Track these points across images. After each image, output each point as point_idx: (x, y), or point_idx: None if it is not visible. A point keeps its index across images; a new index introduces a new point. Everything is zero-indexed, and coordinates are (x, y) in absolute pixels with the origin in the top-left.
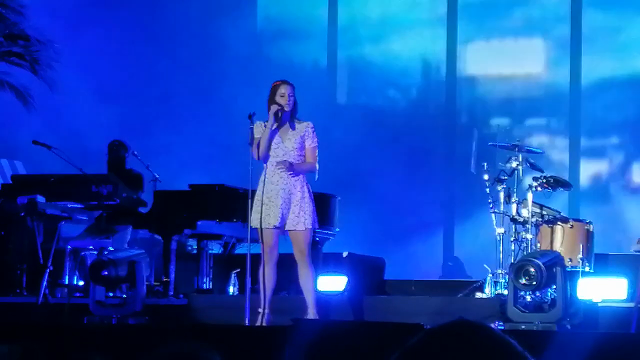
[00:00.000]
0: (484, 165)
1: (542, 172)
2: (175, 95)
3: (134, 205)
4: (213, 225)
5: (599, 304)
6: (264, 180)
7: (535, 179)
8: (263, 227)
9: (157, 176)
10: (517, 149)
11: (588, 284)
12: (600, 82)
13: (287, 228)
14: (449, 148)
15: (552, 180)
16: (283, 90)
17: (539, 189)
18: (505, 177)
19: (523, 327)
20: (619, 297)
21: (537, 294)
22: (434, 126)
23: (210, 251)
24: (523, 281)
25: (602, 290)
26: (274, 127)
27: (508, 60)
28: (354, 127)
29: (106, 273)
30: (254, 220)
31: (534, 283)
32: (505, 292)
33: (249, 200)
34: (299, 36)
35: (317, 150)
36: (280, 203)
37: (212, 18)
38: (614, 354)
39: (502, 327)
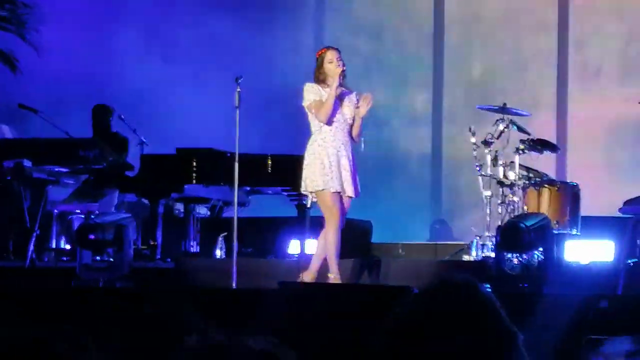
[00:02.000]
0: (471, 128)
1: (529, 134)
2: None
3: (120, 169)
4: (200, 188)
5: (586, 267)
6: (325, 145)
7: (522, 141)
8: (329, 190)
9: (144, 140)
10: (504, 111)
11: (575, 246)
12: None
13: (345, 192)
14: (435, 107)
15: (539, 143)
16: (331, 55)
17: (526, 151)
18: (493, 140)
19: (510, 289)
20: (605, 259)
21: (524, 256)
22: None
23: (197, 215)
24: (510, 244)
25: (589, 252)
26: (339, 92)
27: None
28: None
29: (93, 237)
30: (323, 183)
31: (521, 246)
32: (492, 254)
33: (236, 164)
34: None
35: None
36: (341, 169)
37: None
38: (601, 316)
39: (489, 290)
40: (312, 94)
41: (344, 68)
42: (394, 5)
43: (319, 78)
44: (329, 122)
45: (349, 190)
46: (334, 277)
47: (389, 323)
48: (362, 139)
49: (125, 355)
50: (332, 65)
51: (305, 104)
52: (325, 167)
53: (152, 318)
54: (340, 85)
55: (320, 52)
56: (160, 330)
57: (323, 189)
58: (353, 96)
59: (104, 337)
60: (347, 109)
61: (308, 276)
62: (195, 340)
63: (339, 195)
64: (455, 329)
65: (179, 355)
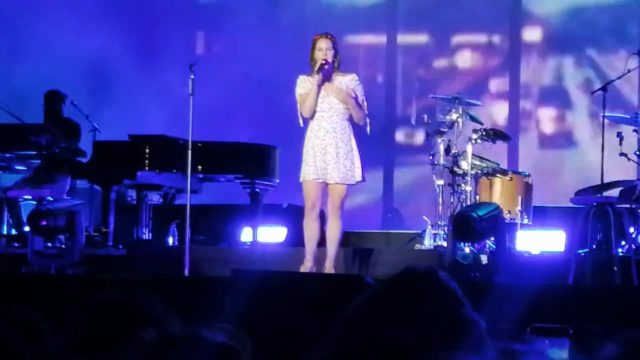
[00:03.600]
0: (424, 117)
1: (482, 124)
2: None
3: (73, 155)
4: (152, 175)
5: (537, 256)
6: (310, 136)
7: (475, 131)
8: (309, 180)
9: (97, 126)
10: (457, 101)
11: (526, 236)
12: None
13: (327, 180)
14: (390, 98)
15: (491, 133)
16: (321, 44)
17: (478, 141)
18: (445, 130)
19: (461, 278)
20: (556, 249)
21: (476, 245)
22: (374, 71)
23: (149, 202)
24: (462, 233)
25: (540, 242)
26: (320, 82)
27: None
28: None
29: (44, 223)
30: (302, 174)
31: (473, 235)
32: (444, 243)
33: (189, 151)
34: None
35: (365, 102)
36: (325, 157)
37: None
38: (552, 306)
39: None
40: (300, 87)
41: (327, 59)
42: None
43: (310, 64)
44: (313, 114)
45: (335, 178)
46: (307, 264)
47: (349, 311)
48: (367, 122)
49: (81, 341)
50: (320, 54)
51: (296, 97)
52: (308, 157)
53: (107, 305)
54: (331, 72)
55: (315, 38)
56: (116, 318)
57: (302, 179)
58: (346, 80)
59: (58, 323)
60: (335, 97)
61: (306, 264)
62: (152, 334)
63: (320, 184)
64: (418, 318)
65: (137, 349)
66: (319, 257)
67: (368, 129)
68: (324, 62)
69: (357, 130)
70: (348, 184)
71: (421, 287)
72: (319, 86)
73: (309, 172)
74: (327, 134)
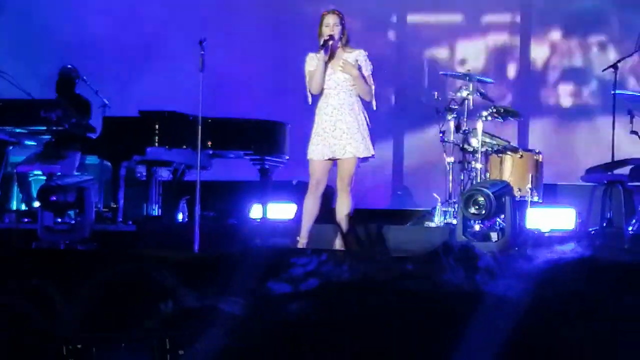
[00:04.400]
0: (434, 94)
1: (493, 102)
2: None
3: (83, 131)
4: (162, 151)
5: (547, 234)
6: (319, 113)
7: (485, 108)
8: (317, 158)
9: (107, 102)
10: (467, 78)
11: (537, 213)
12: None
13: (336, 156)
14: (400, 75)
15: (502, 110)
16: (328, 20)
17: (489, 118)
18: (456, 107)
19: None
20: (567, 227)
21: (486, 223)
22: (383, 49)
23: (159, 178)
24: (472, 210)
25: (550, 220)
26: (326, 59)
27: None
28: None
29: (54, 198)
30: (309, 152)
31: (483, 212)
32: (455, 221)
33: (199, 127)
34: None
35: (371, 78)
36: (335, 134)
37: None
38: (561, 280)
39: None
40: (308, 65)
41: (332, 35)
42: None
43: (318, 40)
44: (320, 90)
45: (348, 151)
46: (301, 241)
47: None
48: (373, 96)
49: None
50: (326, 30)
51: (305, 74)
52: (314, 136)
53: (123, 278)
54: (337, 48)
55: (322, 13)
56: (132, 292)
57: (309, 158)
58: (352, 56)
59: (69, 297)
60: (342, 73)
61: (300, 241)
62: (170, 307)
63: (326, 163)
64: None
65: (155, 322)
66: (321, 234)
67: (374, 104)
68: (329, 37)
69: (366, 106)
70: (360, 158)
71: (461, 258)
72: (326, 63)
73: (315, 152)
74: (335, 110)
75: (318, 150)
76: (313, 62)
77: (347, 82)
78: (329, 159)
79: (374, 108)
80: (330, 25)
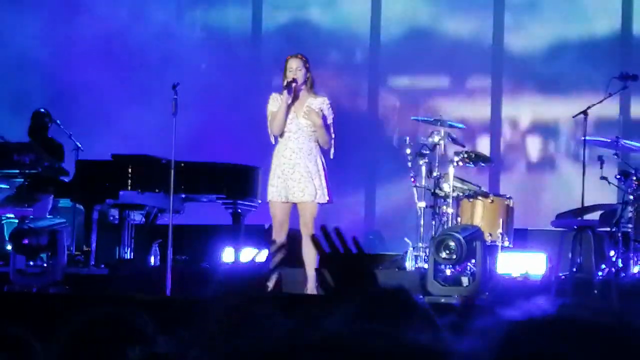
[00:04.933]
0: (406, 139)
1: (464, 146)
2: (96, 70)
3: (55, 174)
4: (135, 195)
5: (518, 279)
6: (277, 155)
7: (456, 153)
8: (275, 201)
9: (80, 145)
10: (439, 123)
11: (507, 258)
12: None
13: (295, 200)
14: (372, 121)
15: (473, 155)
16: (291, 64)
17: (460, 163)
18: (427, 152)
19: (443, 300)
20: (537, 271)
21: (457, 268)
22: (355, 95)
23: (132, 221)
24: (443, 255)
25: (521, 265)
26: (289, 101)
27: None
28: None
29: (27, 242)
30: (268, 194)
31: (454, 257)
32: (426, 265)
33: (172, 171)
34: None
35: (332, 127)
36: (294, 176)
37: None
38: (532, 326)
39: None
40: (271, 105)
41: (295, 78)
42: None
43: (283, 82)
44: (281, 133)
45: (306, 196)
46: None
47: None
48: (331, 145)
49: (66, 354)
50: (290, 74)
51: (267, 114)
52: (272, 178)
53: (94, 322)
54: (300, 92)
55: (287, 57)
56: (103, 336)
57: (268, 199)
58: (316, 103)
59: (41, 341)
60: (304, 118)
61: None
62: (137, 353)
63: (286, 205)
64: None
65: None
66: (294, 278)
67: (332, 152)
68: (291, 80)
69: (326, 152)
70: (319, 202)
71: (393, 306)
72: (289, 105)
73: (274, 193)
74: (294, 154)
75: (276, 192)
76: (276, 102)
77: (309, 128)
78: (289, 202)
79: (331, 156)
80: (294, 69)
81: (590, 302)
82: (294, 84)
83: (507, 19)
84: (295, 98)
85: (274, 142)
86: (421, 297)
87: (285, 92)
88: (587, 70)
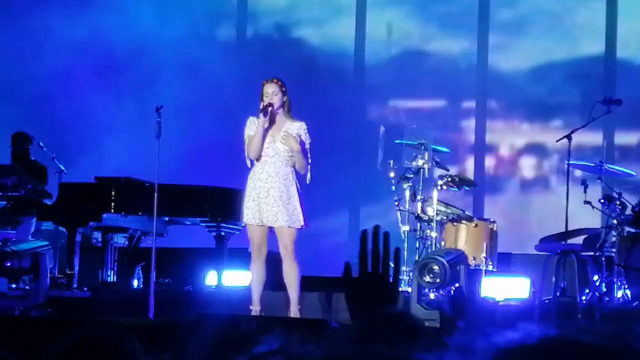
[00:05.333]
0: (390, 163)
1: (448, 170)
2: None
3: (38, 196)
4: (118, 218)
5: (502, 303)
6: (253, 178)
7: (440, 177)
8: (251, 224)
9: (63, 168)
10: (423, 147)
11: (491, 282)
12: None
13: (273, 224)
14: (356, 143)
15: (457, 179)
16: (267, 89)
17: (444, 187)
18: (411, 175)
19: (426, 324)
20: (521, 295)
21: (441, 291)
22: (340, 117)
23: (115, 244)
24: (427, 279)
25: (504, 289)
26: (266, 125)
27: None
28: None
29: (9, 264)
30: (244, 217)
31: (438, 281)
32: (409, 289)
33: (155, 194)
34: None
35: (309, 152)
36: (268, 200)
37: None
38: (515, 351)
39: None
40: (248, 128)
41: (271, 102)
42: None
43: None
44: (258, 157)
45: (281, 221)
46: (254, 308)
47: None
48: (308, 170)
49: None
50: (266, 99)
51: (244, 137)
52: (247, 200)
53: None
54: (276, 114)
55: (263, 82)
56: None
57: (244, 222)
58: (294, 128)
59: None
60: (281, 143)
61: (253, 309)
62: None
63: (263, 228)
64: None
65: None
66: (277, 301)
67: (308, 177)
68: (267, 104)
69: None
70: (285, 227)
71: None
72: (266, 129)
73: (248, 216)
74: (270, 177)
75: (251, 214)
76: (253, 126)
77: (286, 152)
78: (263, 224)
79: (308, 181)
80: (270, 94)
81: (592, 326)
82: (270, 108)
83: (492, 39)
84: (272, 122)
85: (249, 166)
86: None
87: (261, 116)
88: (572, 93)
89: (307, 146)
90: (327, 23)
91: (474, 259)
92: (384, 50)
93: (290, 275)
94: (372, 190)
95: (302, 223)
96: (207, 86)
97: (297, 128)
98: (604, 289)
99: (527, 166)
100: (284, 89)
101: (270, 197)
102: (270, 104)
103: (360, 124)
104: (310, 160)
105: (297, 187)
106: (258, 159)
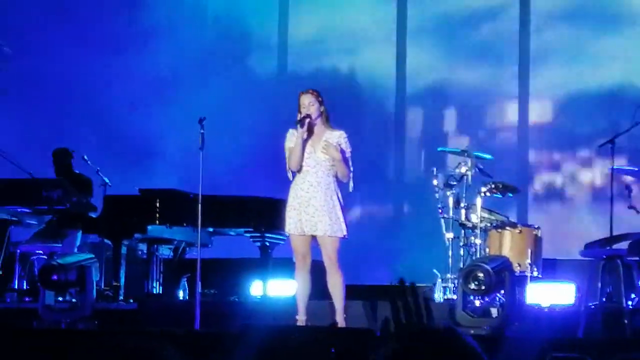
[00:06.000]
0: (433, 171)
1: (491, 177)
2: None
3: (84, 209)
4: (163, 229)
5: (547, 309)
6: (295, 188)
7: (484, 184)
8: (294, 233)
9: (107, 180)
10: (466, 154)
11: (536, 289)
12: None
13: (316, 234)
14: (399, 152)
15: (500, 186)
16: (304, 100)
17: (487, 194)
18: (455, 183)
19: (472, 331)
20: (566, 302)
21: (486, 298)
22: (385, 134)
23: (160, 255)
24: (472, 286)
25: (550, 295)
26: (305, 136)
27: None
28: None
29: (56, 277)
30: (286, 227)
31: (483, 288)
32: (454, 296)
33: (199, 205)
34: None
35: (350, 160)
36: (309, 210)
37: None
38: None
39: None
40: (289, 141)
41: (309, 114)
42: None
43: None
44: (299, 168)
45: (324, 230)
46: (300, 318)
47: None
48: (350, 178)
49: None
50: (303, 110)
51: (285, 150)
52: (289, 210)
53: (125, 356)
54: (314, 125)
55: (299, 93)
56: None
57: (287, 231)
58: (333, 137)
59: None
60: (322, 152)
61: (299, 319)
62: None
63: (306, 237)
64: None
65: None
66: (322, 310)
67: (351, 185)
68: (305, 116)
69: (345, 186)
70: (328, 237)
71: (441, 345)
72: (305, 140)
73: (291, 225)
74: (312, 187)
75: (293, 224)
76: (292, 138)
77: (327, 162)
78: (305, 234)
79: (350, 190)
80: (306, 105)
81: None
82: (307, 120)
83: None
84: (311, 133)
85: (291, 179)
86: (470, 336)
87: (299, 127)
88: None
89: (348, 155)
90: (365, 54)
91: (519, 265)
92: (422, 81)
93: (335, 284)
94: (416, 197)
95: (345, 233)
96: (249, 102)
97: (337, 137)
98: None
99: (571, 171)
100: (320, 99)
101: (311, 207)
102: (308, 115)
103: (403, 130)
104: (352, 168)
105: (338, 197)
106: (299, 170)
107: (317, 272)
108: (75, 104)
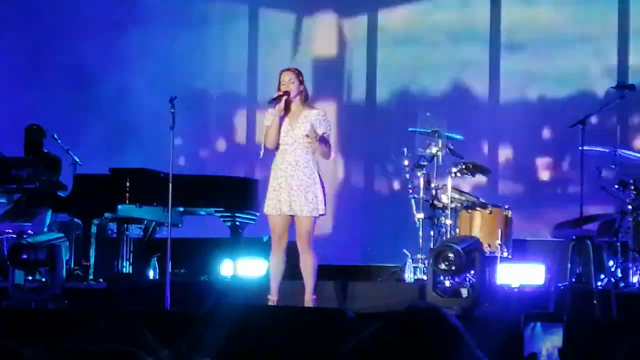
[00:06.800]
0: (404, 151)
1: (462, 158)
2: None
3: (53, 188)
4: (133, 209)
5: (517, 289)
6: (274, 168)
7: (454, 164)
8: (271, 213)
9: (77, 159)
10: (437, 134)
11: (506, 269)
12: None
13: (292, 213)
14: (368, 132)
15: (471, 166)
16: (284, 77)
17: (458, 174)
18: (425, 163)
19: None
20: (536, 282)
21: (456, 279)
22: (355, 114)
23: (130, 235)
24: (442, 266)
25: (520, 275)
26: (282, 114)
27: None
28: None
29: (25, 257)
30: (265, 208)
31: (453, 268)
32: (425, 277)
33: (170, 184)
34: None
35: (329, 138)
36: (288, 190)
37: None
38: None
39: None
40: (266, 120)
41: (287, 91)
42: None
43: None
44: (277, 146)
45: (300, 210)
46: (271, 298)
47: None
48: (331, 154)
49: None
50: (282, 87)
51: (263, 128)
52: (270, 191)
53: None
54: (292, 102)
55: (280, 71)
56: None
57: (265, 212)
58: (312, 115)
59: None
60: (299, 130)
61: (270, 299)
62: None
63: (284, 218)
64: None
65: None
66: (293, 290)
67: (332, 155)
68: (282, 93)
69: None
70: (313, 216)
71: (425, 325)
72: (281, 118)
73: (270, 207)
74: (290, 166)
75: (272, 205)
76: (270, 116)
77: (305, 139)
78: (286, 214)
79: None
80: (286, 81)
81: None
82: (284, 97)
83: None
84: (288, 110)
85: (261, 156)
86: (453, 315)
87: (273, 103)
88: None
89: (327, 132)
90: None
91: (489, 245)
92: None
93: (306, 264)
94: (386, 178)
95: (323, 211)
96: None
97: (315, 115)
98: (620, 275)
99: (541, 151)
100: (300, 78)
101: (289, 187)
102: (286, 93)
103: (373, 108)
104: (331, 146)
105: (319, 173)
106: (277, 148)
107: (291, 253)
108: (48, 80)
